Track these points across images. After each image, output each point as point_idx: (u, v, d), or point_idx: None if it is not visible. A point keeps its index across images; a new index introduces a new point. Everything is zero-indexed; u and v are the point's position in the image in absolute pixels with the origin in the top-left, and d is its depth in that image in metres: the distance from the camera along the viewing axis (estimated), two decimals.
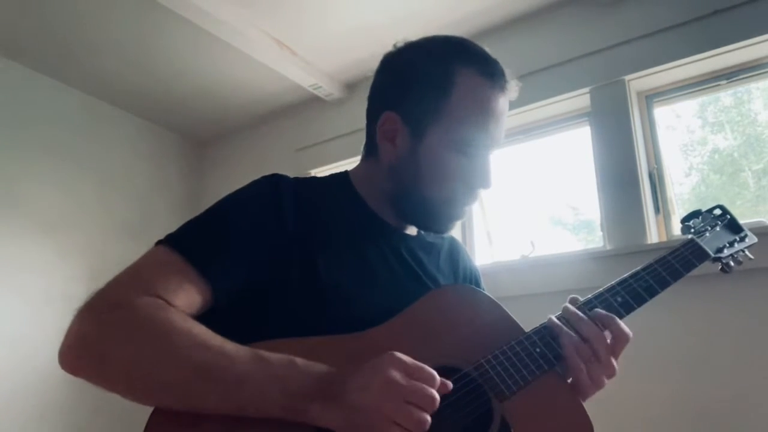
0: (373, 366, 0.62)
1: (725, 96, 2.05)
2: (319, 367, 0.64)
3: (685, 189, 2.07)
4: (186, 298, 0.68)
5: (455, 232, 0.95)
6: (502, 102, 0.83)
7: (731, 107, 2.06)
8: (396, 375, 0.60)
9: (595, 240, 2.15)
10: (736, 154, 2.01)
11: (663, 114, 2.10)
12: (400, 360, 0.62)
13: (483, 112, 0.81)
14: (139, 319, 0.63)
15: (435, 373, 0.62)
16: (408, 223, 0.90)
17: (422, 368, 0.62)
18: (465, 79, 0.81)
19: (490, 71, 0.82)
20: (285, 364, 0.63)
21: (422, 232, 0.94)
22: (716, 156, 2.05)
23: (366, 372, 0.62)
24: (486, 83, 0.81)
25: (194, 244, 0.72)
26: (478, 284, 1.01)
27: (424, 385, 0.61)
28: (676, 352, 1.66)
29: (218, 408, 0.61)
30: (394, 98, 0.85)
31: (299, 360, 0.64)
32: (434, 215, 0.85)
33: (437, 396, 0.60)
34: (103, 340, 0.63)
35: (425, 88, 0.82)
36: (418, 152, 0.82)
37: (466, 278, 0.99)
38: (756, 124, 2.00)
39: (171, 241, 0.72)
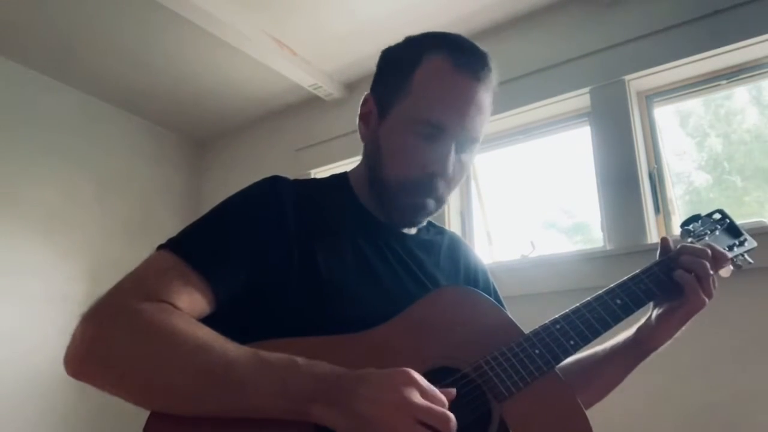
0: (389, 379, 0.61)
1: (719, 97, 2.05)
2: (321, 366, 0.63)
3: (679, 191, 2.07)
4: (189, 301, 0.68)
5: (456, 229, 0.94)
6: (473, 90, 0.80)
7: (720, 107, 2.06)
8: (413, 394, 0.59)
9: (591, 242, 2.16)
10: (728, 153, 2.01)
11: (662, 115, 2.10)
12: (415, 380, 0.61)
13: (446, 94, 0.79)
14: (142, 324, 0.63)
15: (445, 399, 0.62)
16: (383, 212, 0.87)
17: (435, 392, 0.62)
18: (431, 61, 0.81)
19: (461, 56, 0.80)
20: (286, 364, 0.63)
21: (421, 230, 0.93)
22: (708, 158, 2.05)
23: (380, 384, 0.61)
24: (453, 67, 0.79)
25: (195, 247, 0.72)
26: (486, 279, 1.00)
27: (439, 407, 0.60)
28: (681, 351, 1.66)
29: (221, 411, 0.61)
30: (373, 82, 0.88)
31: (300, 360, 0.63)
32: (393, 201, 0.83)
33: (453, 417, 0.59)
34: (108, 345, 0.63)
35: (393, 69, 0.85)
36: (381, 131, 0.83)
37: (469, 274, 0.98)
38: (741, 122, 2.00)
39: (172, 246, 0.72)
